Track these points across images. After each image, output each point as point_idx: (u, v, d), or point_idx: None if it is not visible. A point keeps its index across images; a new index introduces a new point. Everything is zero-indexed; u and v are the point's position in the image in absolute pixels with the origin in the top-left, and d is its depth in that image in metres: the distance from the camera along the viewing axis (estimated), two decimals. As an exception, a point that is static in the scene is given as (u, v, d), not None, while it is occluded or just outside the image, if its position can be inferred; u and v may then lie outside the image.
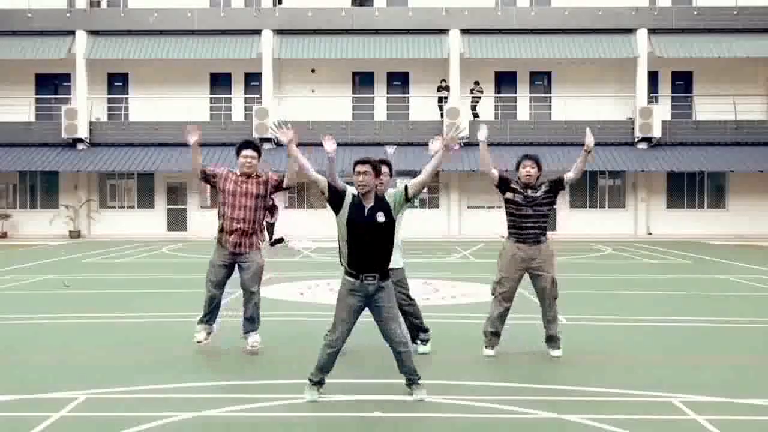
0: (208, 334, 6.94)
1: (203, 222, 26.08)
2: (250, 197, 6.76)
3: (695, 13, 26.86)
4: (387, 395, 5.46)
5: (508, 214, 6.75)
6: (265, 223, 7.15)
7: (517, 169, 6.75)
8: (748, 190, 27.28)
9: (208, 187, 7.06)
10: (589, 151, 6.68)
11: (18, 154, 26.56)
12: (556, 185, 6.72)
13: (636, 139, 26.61)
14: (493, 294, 6.83)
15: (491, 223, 25.61)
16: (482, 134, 6.71)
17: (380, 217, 5.27)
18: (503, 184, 6.73)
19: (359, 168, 5.30)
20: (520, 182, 6.71)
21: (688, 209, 27.57)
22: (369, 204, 5.31)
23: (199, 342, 6.88)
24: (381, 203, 5.35)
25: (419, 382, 5.38)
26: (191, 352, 6.98)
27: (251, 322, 6.87)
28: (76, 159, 26.43)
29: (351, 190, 5.44)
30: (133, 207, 28.03)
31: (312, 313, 9.22)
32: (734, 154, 26.38)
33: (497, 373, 6.22)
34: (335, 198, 5.36)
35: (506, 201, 6.73)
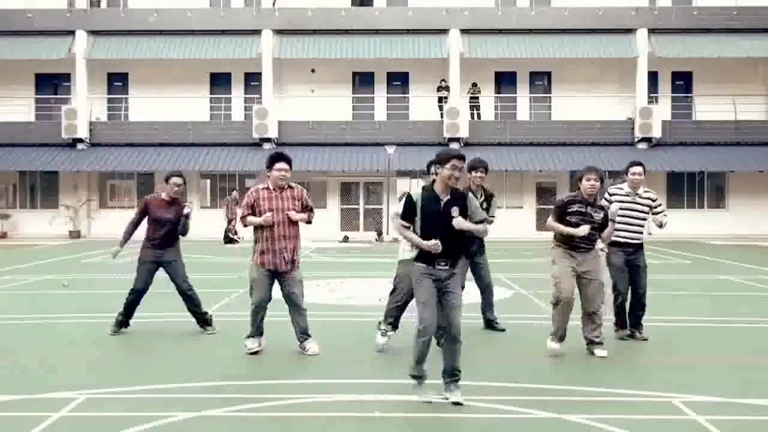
0: (260, 344, 6.90)
1: (203, 222, 26.07)
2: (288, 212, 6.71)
3: (695, 13, 26.84)
4: (387, 395, 5.46)
5: (565, 222, 6.69)
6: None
7: (580, 180, 6.73)
8: (748, 190, 27.26)
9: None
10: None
11: (18, 154, 26.54)
12: (606, 218, 6.79)
13: (636, 139, 26.57)
14: (555, 304, 6.73)
15: (491, 223, 25.62)
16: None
17: (455, 212, 5.26)
18: (564, 216, 6.70)
19: (456, 163, 5.28)
20: (581, 197, 6.69)
21: (688, 209, 27.53)
22: (445, 197, 5.33)
23: (252, 351, 6.81)
24: (458, 199, 5.35)
25: (459, 382, 5.33)
26: (191, 353, 6.99)
27: (304, 332, 6.90)
28: (76, 159, 26.43)
29: (414, 191, 5.46)
30: (133, 207, 27.99)
31: (312, 313, 9.19)
32: (734, 154, 26.35)
33: (497, 373, 6.21)
34: (411, 219, 5.37)
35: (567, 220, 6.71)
